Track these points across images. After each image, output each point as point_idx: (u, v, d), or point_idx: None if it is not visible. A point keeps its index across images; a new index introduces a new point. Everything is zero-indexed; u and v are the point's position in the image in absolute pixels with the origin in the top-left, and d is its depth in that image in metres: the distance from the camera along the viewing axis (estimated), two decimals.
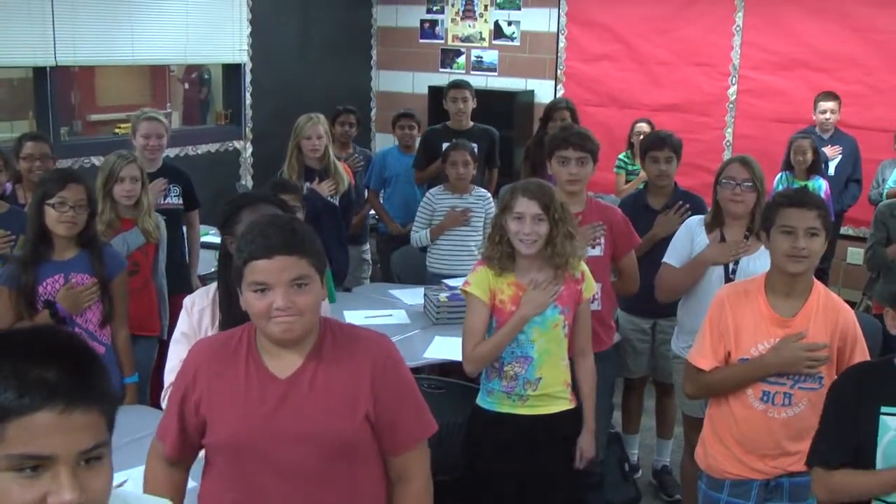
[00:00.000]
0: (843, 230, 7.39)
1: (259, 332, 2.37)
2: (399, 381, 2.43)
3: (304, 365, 2.35)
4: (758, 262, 3.95)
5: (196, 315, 3.15)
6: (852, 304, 4.29)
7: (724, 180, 4.17)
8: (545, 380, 3.56)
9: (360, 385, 2.35)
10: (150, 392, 4.50)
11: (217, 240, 3.42)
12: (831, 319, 3.20)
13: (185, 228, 5.55)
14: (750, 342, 3.22)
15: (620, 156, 7.51)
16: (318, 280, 2.33)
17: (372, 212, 7.08)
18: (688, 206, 4.86)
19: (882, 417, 2.71)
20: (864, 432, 2.72)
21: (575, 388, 3.71)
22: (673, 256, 4.30)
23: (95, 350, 1.47)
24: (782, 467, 3.26)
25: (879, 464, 2.72)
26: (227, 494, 2.33)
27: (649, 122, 7.50)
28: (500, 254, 3.52)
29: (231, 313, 3.02)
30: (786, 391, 3.20)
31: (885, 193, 6.62)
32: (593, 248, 4.20)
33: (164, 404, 3.03)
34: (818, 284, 3.29)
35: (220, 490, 2.32)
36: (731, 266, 4.12)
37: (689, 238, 4.28)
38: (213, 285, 3.22)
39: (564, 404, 3.64)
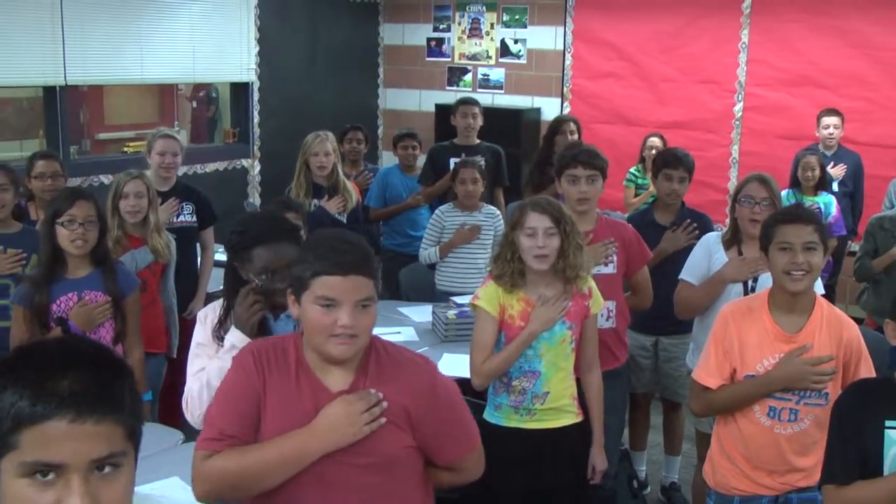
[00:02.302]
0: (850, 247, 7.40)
1: (306, 346, 2.38)
2: (439, 405, 2.43)
3: (356, 380, 2.36)
4: None
5: (210, 326, 3.17)
6: (859, 321, 4.30)
7: (742, 199, 4.19)
8: (553, 394, 3.58)
9: (403, 410, 2.35)
10: (157, 409, 4.53)
11: (224, 257, 3.42)
12: (836, 334, 3.21)
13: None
14: (755, 359, 3.23)
15: (631, 169, 7.54)
16: (377, 301, 2.35)
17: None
18: (695, 224, 4.88)
19: (887, 432, 2.71)
20: (870, 447, 2.72)
21: (582, 402, 3.73)
22: (691, 273, 4.31)
23: (120, 360, 1.49)
24: (791, 483, 3.27)
25: None
26: (265, 503, 2.33)
27: (661, 137, 7.54)
28: (512, 270, 3.53)
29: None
30: (791, 407, 3.21)
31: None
32: (606, 265, 4.21)
33: (186, 412, 3.04)
34: (821, 300, 3.30)
35: (260, 499, 2.33)
36: (749, 283, 4.12)
37: (707, 255, 4.29)
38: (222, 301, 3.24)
39: (571, 418, 3.66)
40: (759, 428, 3.25)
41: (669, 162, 4.99)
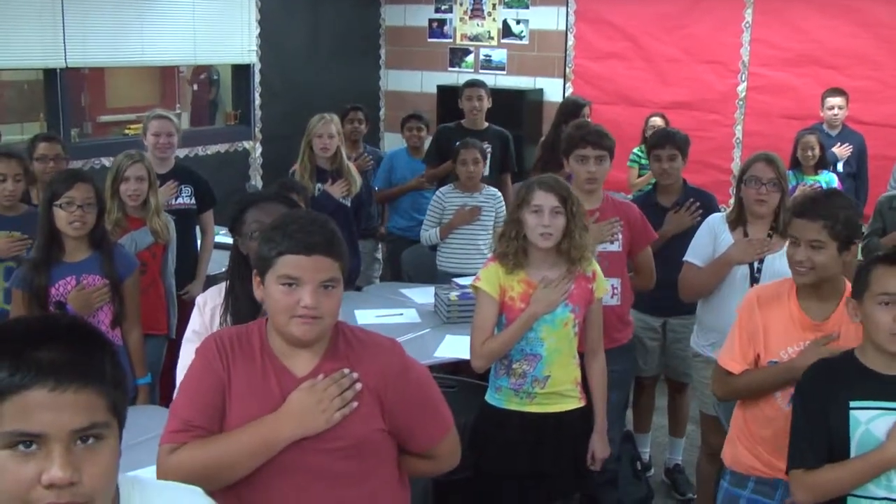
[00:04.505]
0: None
1: (271, 330, 2.34)
2: (411, 389, 2.39)
3: (321, 363, 2.31)
4: (783, 259, 3.88)
5: (208, 313, 3.13)
6: None
7: (748, 179, 4.13)
8: (554, 378, 3.56)
9: (374, 393, 2.32)
10: (160, 391, 4.51)
11: (228, 240, 3.41)
12: None
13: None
14: (780, 345, 3.16)
15: (634, 150, 7.53)
16: (342, 284, 2.32)
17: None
18: (698, 203, 4.86)
19: (852, 412, 2.70)
20: (837, 429, 2.71)
21: (585, 386, 3.71)
22: (696, 255, 4.26)
23: (101, 334, 1.49)
24: None
25: None
26: (235, 496, 2.28)
27: (663, 117, 7.53)
28: (515, 249, 3.51)
29: (238, 315, 3.02)
30: None
31: None
32: (611, 243, 4.21)
33: None
34: (850, 285, 3.24)
35: (228, 490, 2.26)
36: (755, 265, 4.08)
37: (712, 236, 4.24)
38: (225, 284, 3.21)
39: (574, 403, 3.64)
40: (780, 414, 3.17)
41: (657, 142, 5.00)
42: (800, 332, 3.15)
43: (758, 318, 3.20)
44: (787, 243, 3.21)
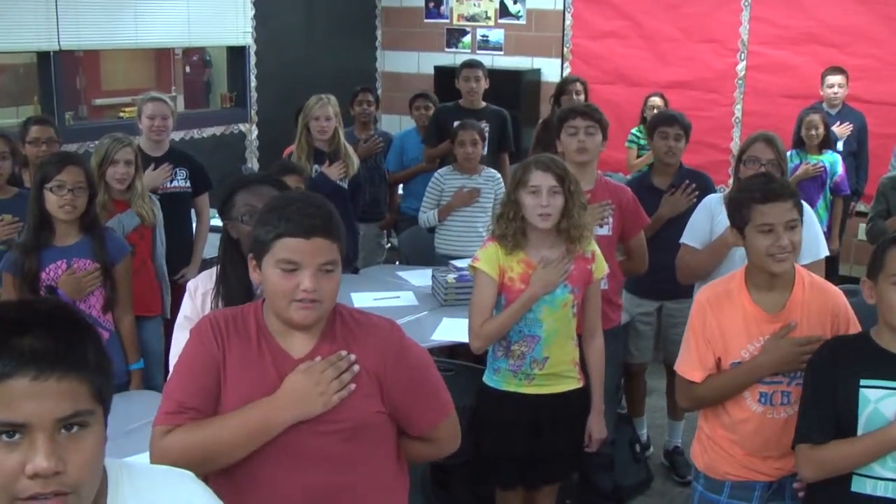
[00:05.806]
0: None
1: (267, 312, 2.30)
2: (409, 370, 2.34)
3: (319, 345, 2.28)
4: None
5: (199, 298, 3.10)
6: (854, 281, 4.22)
7: (747, 159, 4.08)
8: (552, 359, 3.54)
9: (372, 375, 2.28)
10: (163, 371, 4.48)
11: (220, 223, 3.36)
12: (820, 305, 3.06)
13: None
14: (740, 344, 3.06)
15: (633, 130, 7.50)
16: (340, 266, 2.27)
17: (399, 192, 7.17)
18: (694, 185, 4.82)
19: (862, 390, 2.68)
20: (845, 406, 2.69)
21: (584, 367, 3.68)
22: (693, 236, 4.20)
23: (84, 319, 1.47)
24: (786, 468, 3.09)
25: None
26: (231, 479, 2.24)
27: (662, 97, 7.50)
28: (514, 230, 3.48)
29: (230, 299, 2.97)
30: (783, 389, 3.06)
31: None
32: (601, 226, 4.16)
33: None
34: (800, 270, 3.14)
35: (222, 474, 2.23)
36: None
37: (709, 217, 4.16)
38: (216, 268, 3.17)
39: (572, 383, 3.63)
40: (750, 415, 3.09)
41: (665, 120, 4.96)
42: (757, 328, 3.05)
43: (711, 320, 3.09)
44: (750, 235, 3.06)
